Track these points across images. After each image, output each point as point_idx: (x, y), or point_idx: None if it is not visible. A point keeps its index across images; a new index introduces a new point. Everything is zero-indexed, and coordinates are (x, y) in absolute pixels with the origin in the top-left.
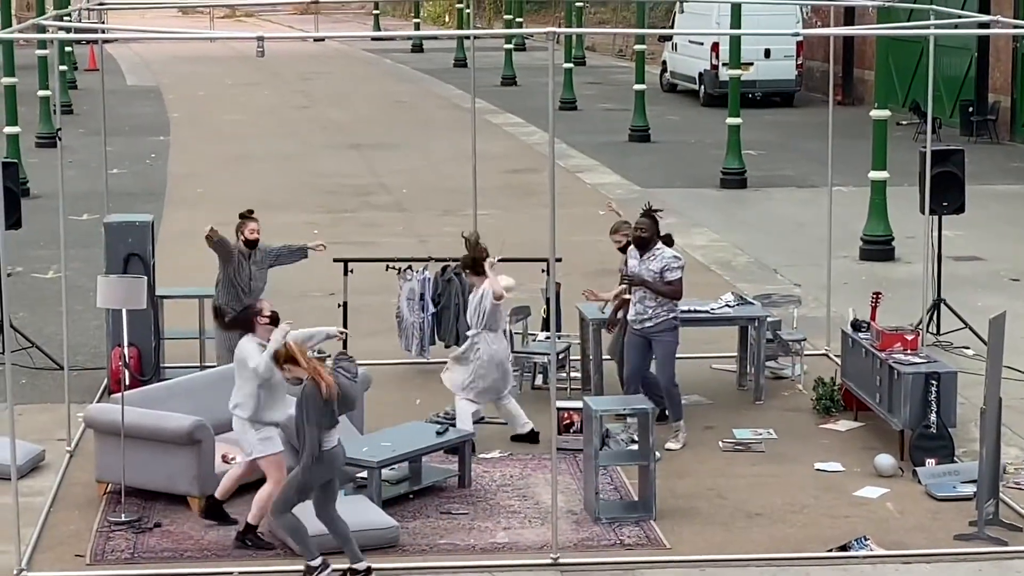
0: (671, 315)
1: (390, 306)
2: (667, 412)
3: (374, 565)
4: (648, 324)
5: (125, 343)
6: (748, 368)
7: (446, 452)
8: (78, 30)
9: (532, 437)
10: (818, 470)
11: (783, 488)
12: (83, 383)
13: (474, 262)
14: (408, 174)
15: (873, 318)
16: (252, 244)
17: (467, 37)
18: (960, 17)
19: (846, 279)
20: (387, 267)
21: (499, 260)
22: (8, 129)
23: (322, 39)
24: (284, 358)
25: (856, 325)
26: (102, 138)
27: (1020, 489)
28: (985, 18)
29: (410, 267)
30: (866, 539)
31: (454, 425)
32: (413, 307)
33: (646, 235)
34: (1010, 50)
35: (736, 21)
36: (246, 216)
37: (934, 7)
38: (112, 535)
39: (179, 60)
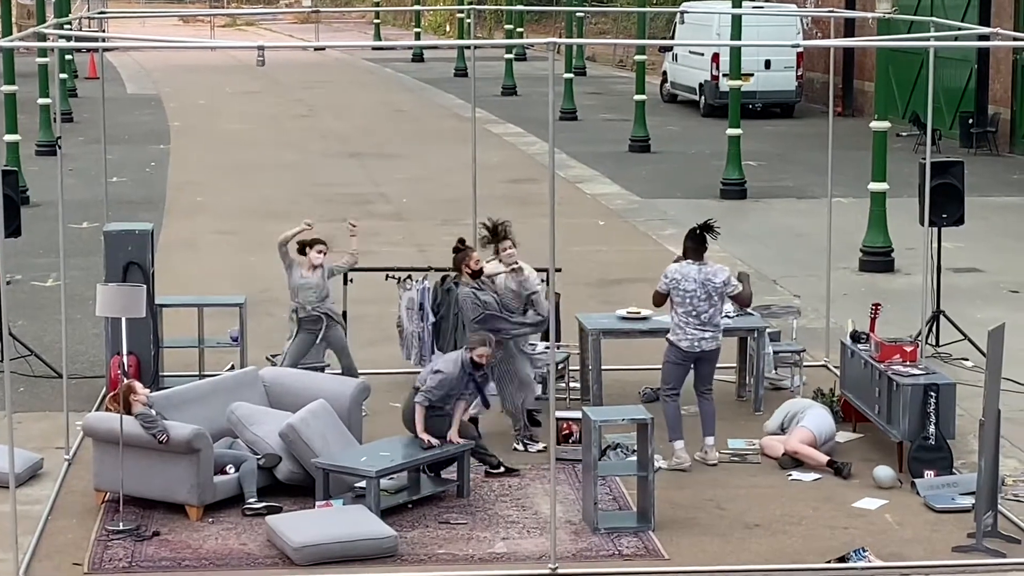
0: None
1: (390, 315)
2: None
3: (372, 575)
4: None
5: (124, 351)
6: (747, 379)
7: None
8: (79, 38)
9: None
10: (816, 481)
11: (781, 499)
12: (82, 391)
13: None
14: (408, 183)
15: (872, 329)
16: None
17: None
18: (960, 29)
19: (846, 290)
20: (387, 276)
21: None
22: (8, 137)
23: (322, 48)
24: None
25: (855, 336)
26: (102, 146)
27: (1019, 501)
28: (985, 30)
29: (410, 277)
30: (864, 551)
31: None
32: (412, 316)
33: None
34: (1010, 62)
35: (737, 32)
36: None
37: (934, 19)
38: (110, 544)
39: (180, 69)
